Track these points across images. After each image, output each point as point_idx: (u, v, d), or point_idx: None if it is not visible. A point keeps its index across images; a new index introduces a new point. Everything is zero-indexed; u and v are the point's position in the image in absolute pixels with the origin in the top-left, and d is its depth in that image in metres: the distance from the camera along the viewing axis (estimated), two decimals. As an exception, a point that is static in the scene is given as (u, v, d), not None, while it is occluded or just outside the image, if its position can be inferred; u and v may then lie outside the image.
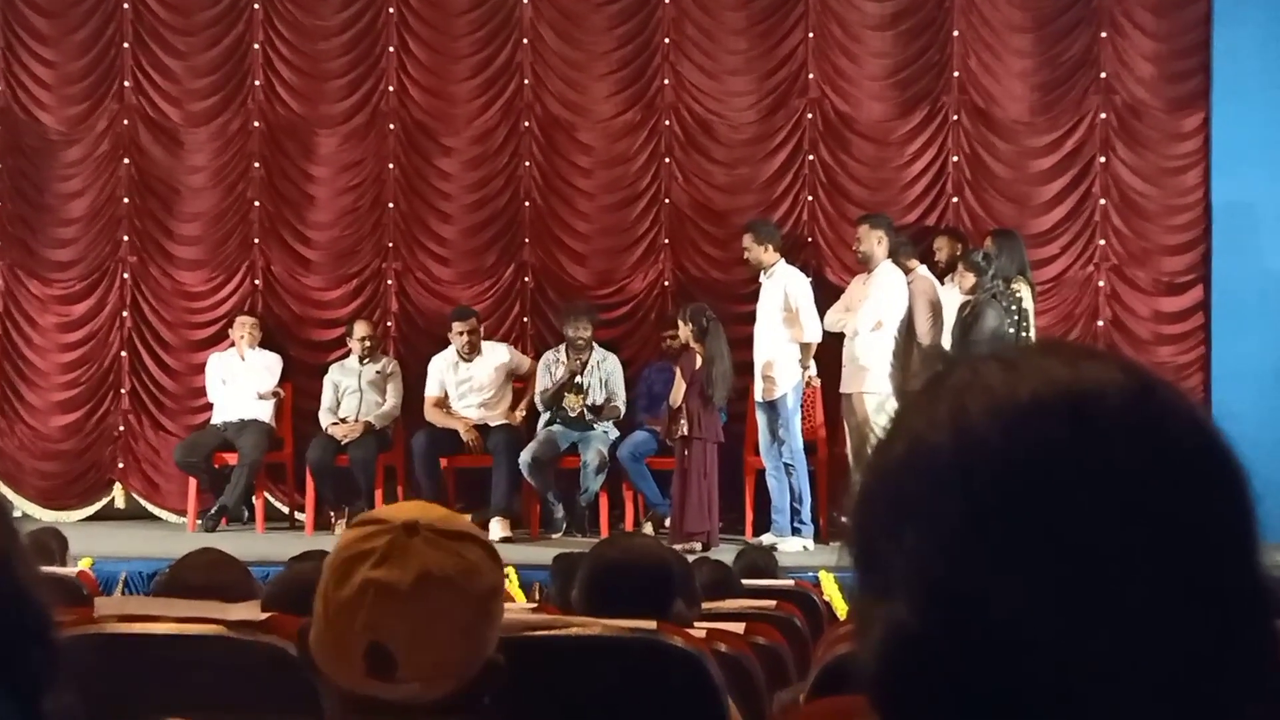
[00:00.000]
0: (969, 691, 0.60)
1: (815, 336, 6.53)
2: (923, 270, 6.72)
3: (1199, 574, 0.60)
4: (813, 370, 6.64)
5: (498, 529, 6.68)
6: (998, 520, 0.60)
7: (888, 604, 0.62)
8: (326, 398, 7.22)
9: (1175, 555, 0.60)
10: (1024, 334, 6.39)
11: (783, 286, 6.57)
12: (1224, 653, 0.60)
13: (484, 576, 1.23)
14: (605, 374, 6.97)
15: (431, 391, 7.12)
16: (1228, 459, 0.62)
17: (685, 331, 6.47)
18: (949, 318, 6.53)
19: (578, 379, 6.94)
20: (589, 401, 6.90)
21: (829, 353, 6.68)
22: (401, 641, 1.17)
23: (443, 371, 7.13)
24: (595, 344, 7.05)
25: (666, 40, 7.45)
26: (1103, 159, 7.22)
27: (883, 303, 6.50)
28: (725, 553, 5.24)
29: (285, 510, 7.45)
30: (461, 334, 7.02)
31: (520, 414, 7.14)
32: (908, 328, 6.55)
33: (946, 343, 6.53)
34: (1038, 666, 0.59)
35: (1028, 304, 6.49)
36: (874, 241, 6.51)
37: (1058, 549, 0.59)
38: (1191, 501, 0.60)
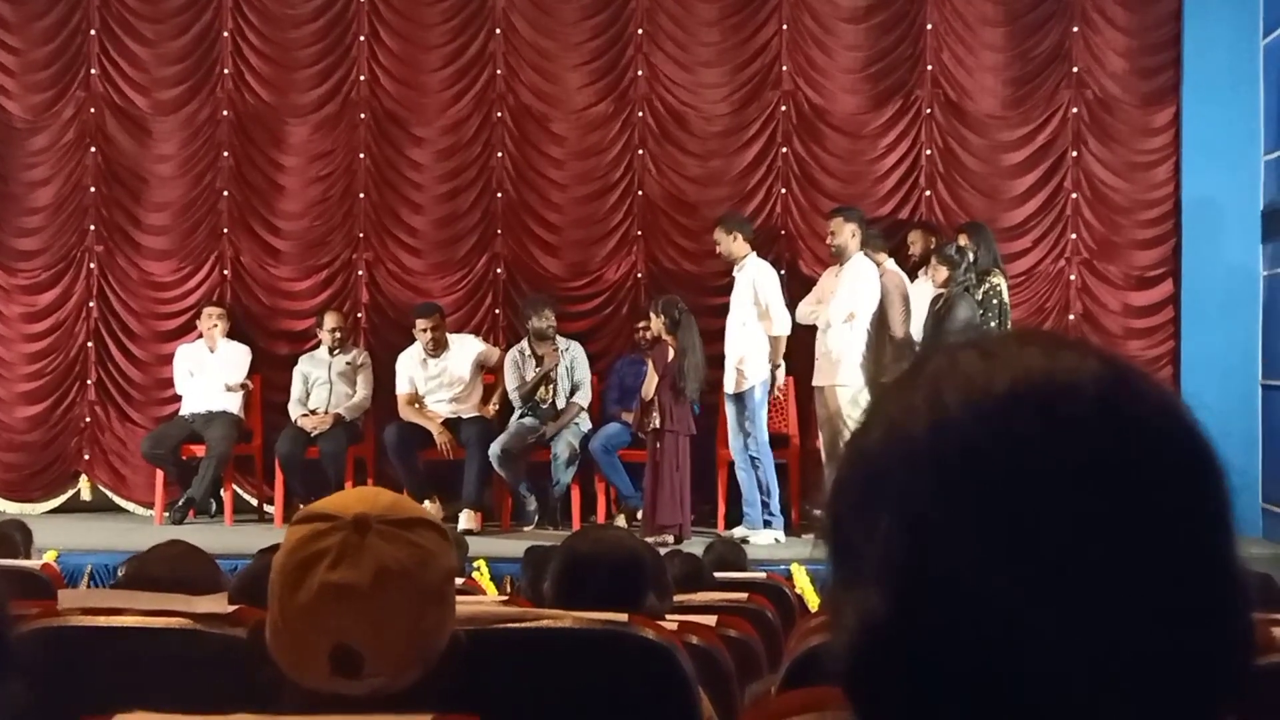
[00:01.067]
0: (939, 678, 0.59)
1: (784, 330, 6.53)
2: (891, 264, 6.75)
3: (1173, 565, 0.60)
4: (783, 370, 6.59)
5: (465, 521, 6.68)
6: (972, 508, 0.60)
7: (860, 591, 0.61)
8: (296, 389, 7.17)
9: (1150, 545, 0.59)
10: (1004, 326, 6.42)
11: (752, 280, 6.57)
12: (1199, 642, 0.59)
13: (439, 561, 1.21)
14: (570, 360, 6.96)
15: (402, 389, 7.09)
16: (1203, 450, 0.62)
17: (657, 324, 6.47)
18: (922, 311, 6.56)
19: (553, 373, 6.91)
20: (557, 391, 6.86)
21: (801, 345, 6.69)
22: (366, 640, 1.16)
23: (411, 368, 7.10)
24: (558, 335, 7.03)
25: (640, 32, 7.43)
26: (1074, 153, 7.26)
27: (855, 295, 6.51)
28: (698, 545, 5.24)
29: (254, 503, 7.40)
30: (425, 330, 6.99)
31: (493, 407, 7.11)
32: (880, 320, 6.57)
33: (917, 335, 6.57)
34: (1009, 654, 0.58)
35: (1005, 296, 6.53)
36: (848, 234, 6.53)
37: (1031, 537, 0.59)
38: (1166, 492, 0.60)
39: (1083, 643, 0.58)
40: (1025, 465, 0.59)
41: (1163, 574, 0.59)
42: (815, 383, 6.65)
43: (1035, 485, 0.59)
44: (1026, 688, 0.58)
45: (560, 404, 6.91)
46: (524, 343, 7.00)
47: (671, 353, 6.40)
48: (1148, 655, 0.59)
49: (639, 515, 6.64)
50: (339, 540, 1.17)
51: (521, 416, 6.93)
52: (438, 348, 7.02)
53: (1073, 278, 7.27)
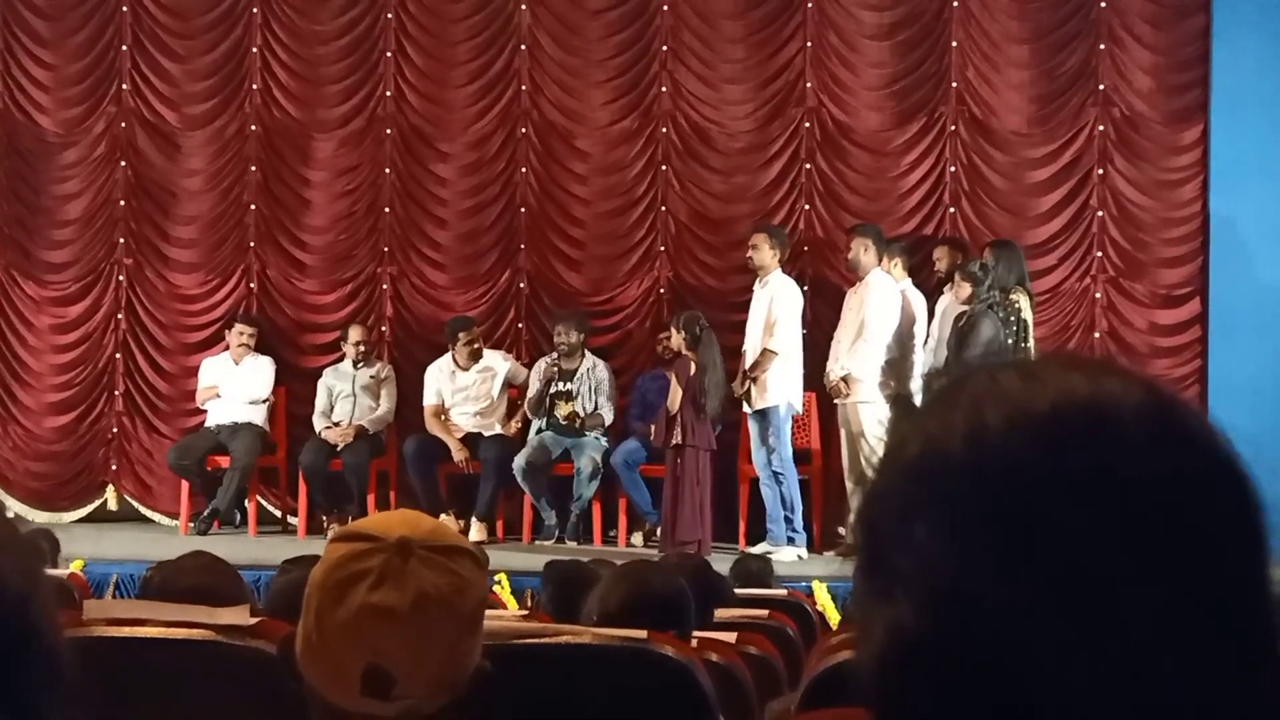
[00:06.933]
0: (969, 698, 0.59)
1: (780, 349, 6.47)
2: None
3: (1208, 595, 0.59)
4: (762, 386, 6.48)
5: (475, 533, 6.73)
6: (1007, 526, 0.59)
7: (891, 605, 0.61)
8: (320, 402, 7.21)
9: (1185, 574, 0.59)
10: (1023, 345, 6.40)
11: (771, 296, 6.57)
12: (1230, 675, 0.59)
13: (474, 590, 1.23)
14: (595, 381, 6.97)
15: (430, 401, 7.13)
16: (1242, 482, 0.62)
17: (678, 339, 6.47)
18: (945, 327, 6.55)
19: (567, 386, 6.93)
20: (577, 409, 6.89)
21: (824, 361, 6.69)
22: (400, 663, 1.17)
23: (439, 381, 7.13)
24: (588, 351, 7.05)
25: (664, 48, 7.46)
26: (1100, 171, 7.22)
27: (873, 311, 6.50)
28: (718, 561, 5.23)
29: (277, 514, 7.43)
30: (469, 343, 7.03)
31: (515, 424, 7.13)
32: (901, 336, 6.58)
33: (929, 348, 6.57)
34: (1039, 676, 0.58)
35: (1026, 315, 6.49)
36: (861, 250, 6.54)
37: (1066, 559, 0.59)
38: (1203, 521, 0.60)
39: (1113, 666, 0.58)
40: (1065, 485, 0.59)
41: (1201, 600, 0.59)
42: (837, 400, 6.63)
43: (1074, 505, 0.59)
44: (1058, 709, 0.58)
45: (576, 423, 6.93)
46: (552, 354, 7.04)
47: (693, 368, 6.39)
48: (1180, 684, 0.58)
49: (657, 532, 6.63)
50: (381, 562, 1.18)
51: (540, 431, 6.95)
52: (475, 359, 7.06)
53: (1098, 295, 7.23)
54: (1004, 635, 0.58)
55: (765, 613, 3.28)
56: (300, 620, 1.22)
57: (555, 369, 6.91)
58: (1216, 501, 0.61)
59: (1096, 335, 7.20)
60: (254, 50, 7.64)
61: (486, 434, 7.04)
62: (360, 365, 7.23)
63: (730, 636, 2.53)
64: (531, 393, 6.97)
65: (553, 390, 6.92)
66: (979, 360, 5.93)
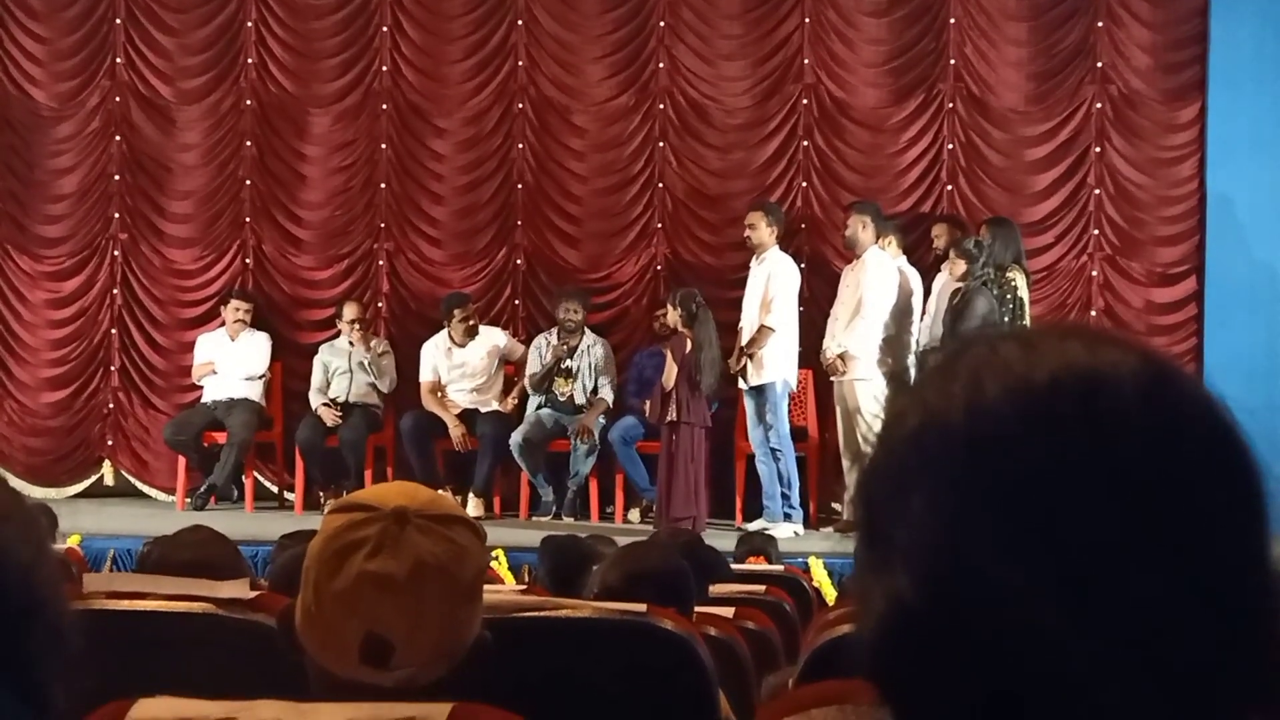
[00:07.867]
0: (965, 670, 0.59)
1: (777, 325, 6.46)
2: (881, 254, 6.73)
3: (1206, 566, 0.59)
4: (759, 361, 6.48)
5: (472, 508, 6.75)
6: (1004, 498, 0.59)
7: (890, 576, 0.61)
8: (316, 378, 7.21)
9: (1182, 545, 0.59)
10: (1020, 323, 6.40)
11: (769, 273, 6.57)
12: (1228, 647, 0.59)
13: (473, 559, 1.23)
14: (595, 359, 6.97)
15: (426, 377, 7.13)
16: (1241, 451, 0.62)
17: (674, 316, 6.47)
18: (941, 304, 6.56)
19: (567, 364, 6.94)
20: (577, 387, 6.89)
21: (820, 339, 6.69)
22: (397, 631, 1.17)
23: (436, 357, 7.13)
24: (587, 329, 7.04)
25: (662, 24, 7.42)
26: (1098, 149, 7.22)
27: (867, 289, 6.50)
28: (713, 537, 5.25)
29: (274, 489, 7.44)
30: (465, 320, 7.02)
31: (512, 401, 7.14)
32: (898, 314, 6.58)
33: (912, 324, 6.56)
34: (1034, 649, 0.58)
35: (1023, 292, 6.50)
36: (859, 227, 6.54)
37: (1062, 531, 0.59)
38: (1202, 492, 0.60)
39: (1106, 639, 0.58)
40: (1062, 455, 0.59)
41: (1197, 571, 0.59)
42: (834, 377, 6.64)
43: (1070, 475, 0.59)
44: (1054, 682, 0.58)
45: (579, 399, 6.93)
46: (552, 331, 7.04)
47: (689, 345, 6.39)
48: (1176, 656, 0.58)
49: (654, 509, 6.65)
50: (378, 531, 1.18)
51: (539, 408, 6.96)
52: (470, 336, 7.05)
53: (1095, 274, 7.24)
54: (1001, 606, 0.58)
55: (762, 588, 3.29)
56: (299, 592, 1.23)
57: (565, 346, 6.91)
58: (1216, 468, 0.60)
59: (1093, 313, 7.21)
60: (248, 24, 7.59)
61: (483, 410, 7.04)
62: (356, 342, 7.23)
63: (728, 611, 2.54)
64: (536, 369, 6.97)
65: (544, 366, 6.93)
66: (956, 333, 5.95)
